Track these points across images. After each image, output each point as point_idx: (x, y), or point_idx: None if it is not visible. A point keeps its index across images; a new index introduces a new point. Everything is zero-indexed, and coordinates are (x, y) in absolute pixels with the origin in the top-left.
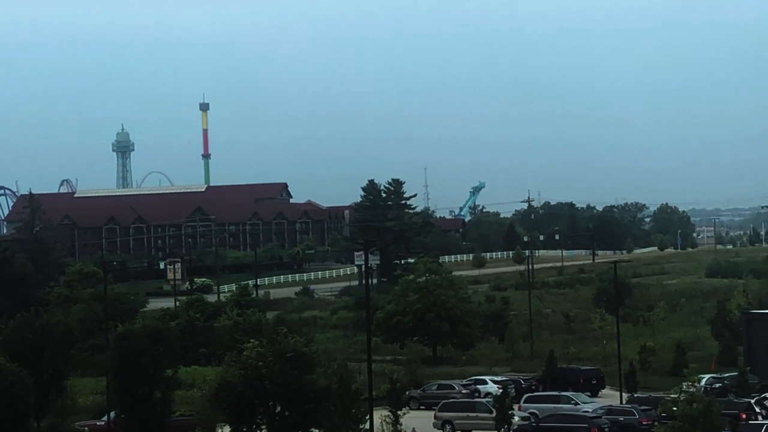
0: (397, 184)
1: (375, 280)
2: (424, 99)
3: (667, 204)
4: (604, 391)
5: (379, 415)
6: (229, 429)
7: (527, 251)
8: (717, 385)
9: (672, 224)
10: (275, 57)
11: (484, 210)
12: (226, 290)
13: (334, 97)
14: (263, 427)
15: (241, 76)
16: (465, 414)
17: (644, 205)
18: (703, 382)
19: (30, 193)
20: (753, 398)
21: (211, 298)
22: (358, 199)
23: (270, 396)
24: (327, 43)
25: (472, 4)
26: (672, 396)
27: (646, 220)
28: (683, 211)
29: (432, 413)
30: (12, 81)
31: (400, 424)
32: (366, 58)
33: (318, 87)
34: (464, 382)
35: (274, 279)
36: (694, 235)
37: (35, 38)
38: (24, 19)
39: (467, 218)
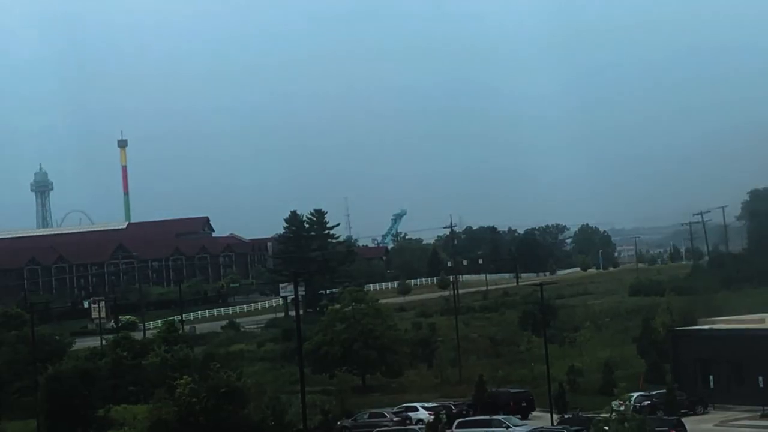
0: (320, 214)
1: (301, 311)
2: (343, 129)
3: (587, 224)
4: (534, 413)
5: None
6: None
7: (451, 276)
8: (646, 402)
9: (593, 244)
10: (191, 88)
11: (407, 237)
12: (152, 327)
13: (253, 129)
14: None
15: (158, 109)
16: None
17: (565, 226)
18: (632, 401)
19: None
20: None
21: (138, 336)
22: (281, 231)
23: None
24: (243, 71)
25: (384, 22)
26: (603, 415)
27: (567, 241)
28: (604, 231)
29: None
30: None
31: None
32: (283, 89)
33: (236, 118)
34: (395, 409)
35: (200, 314)
36: (616, 254)
37: None
38: None
39: (390, 246)
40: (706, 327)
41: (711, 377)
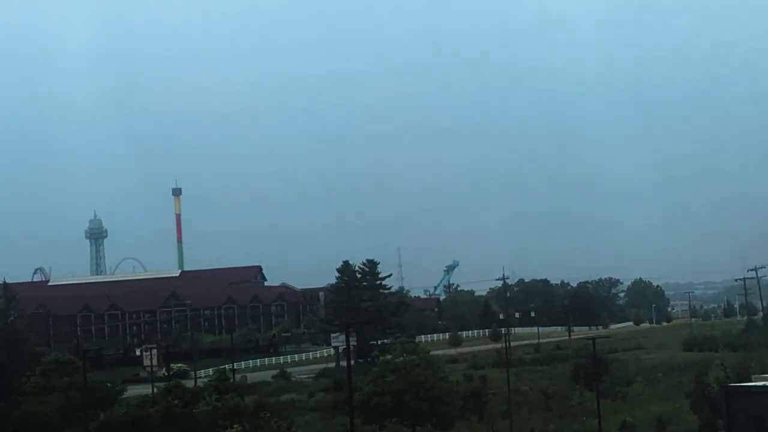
0: (372, 264)
1: (352, 362)
2: (396, 179)
3: (641, 279)
4: None
5: None
6: None
7: (503, 329)
8: None
9: (646, 299)
10: (245, 141)
11: (459, 289)
12: (203, 375)
13: (308, 179)
14: None
15: (210, 160)
16: None
17: (618, 280)
18: None
19: (3, 282)
20: None
21: (189, 384)
22: (333, 281)
23: None
24: (293, 119)
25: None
26: None
27: (620, 295)
28: (657, 286)
29: None
30: None
31: None
32: (333, 140)
33: (291, 168)
34: None
35: (251, 363)
36: (669, 309)
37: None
38: None
39: (442, 297)
40: (760, 384)
41: None
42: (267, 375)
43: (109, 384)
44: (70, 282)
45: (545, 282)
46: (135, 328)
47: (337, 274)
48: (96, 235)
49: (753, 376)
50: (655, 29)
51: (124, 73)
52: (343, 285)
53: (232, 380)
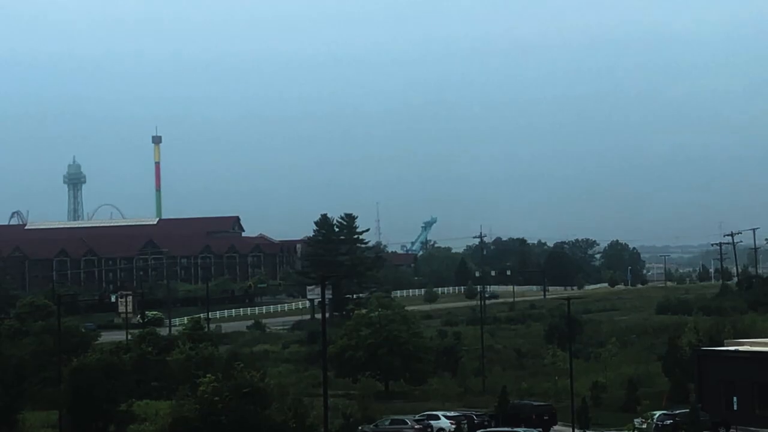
0: (350, 218)
1: (327, 315)
2: (376, 133)
3: (617, 241)
4: (556, 428)
5: None
6: None
7: (479, 287)
8: (668, 421)
9: (622, 261)
10: (227, 88)
11: (436, 245)
12: (178, 324)
13: (287, 129)
14: None
15: (193, 107)
16: None
17: (595, 241)
18: (654, 419)
19: None
20: None
21: (163, 332)
22: (311, 233)
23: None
24: (279, 71)
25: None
26: None
27: (596, 256)
28: (633, 248)
29: None
30: None
31: None
32: (318, 91)
33: (270, 120)
34: (417, 417)
35: (226, 313)
36: (644, 271)
37: None
38: None
39: (419, 253)
40: (732, 348)
41: (735, 399)
42: (242, 325)
43: (83, 329)
44: (47, 226)
45: (522, 241)
46: (111, 274)
47: (315, 227)
48: (74, 180)
49: (725, 341)
50: None
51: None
52: (321, 238)
53: (206, 329)
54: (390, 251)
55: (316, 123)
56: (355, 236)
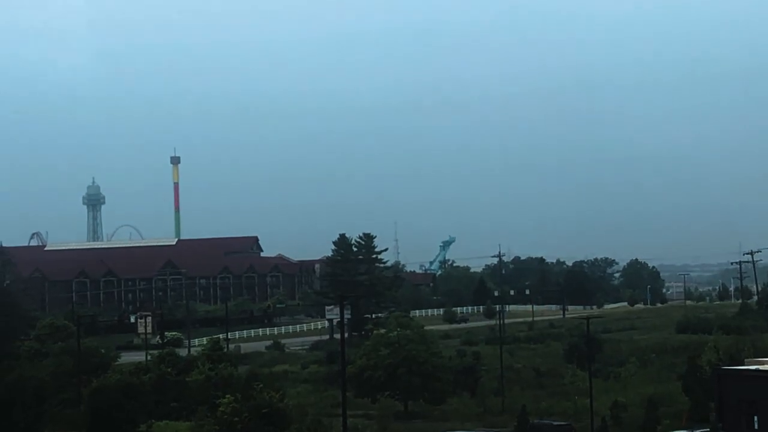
0: (368, 238)
1: (346, 335)
2: (396, 155)
3: (636, 259)
4: None
5: None
6: None
7: (498, 306)
8: None
9: (641, 280)
10: (247, 111)
11: (455, 264)
12: (197, 344)
13: (304, 152)
14: None
15: (213, 129)
16: None
17: (614, 260)
18: None
19: (0, 245)
20: None
21: (182, 352)
22: (329, 253)
23: None
24: (295, 99)
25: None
26: None
27: (615, 275)
28: (653, 267)
29: None
30: None
31: None
32: (336, 118)
33: (288, 142)
34: None
35: (245, 333)
36: (664, 290)
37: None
38: None
39: (438, 272)
40: (752, 367)
41: (756, 418)
42: (261, 346)
43: (102, 350)
44: (67, 247)
45: (541, 260)
46: (130, 295)
47: (333, 247)
48: (93, 201)
49: (745, 360)
50: None
51: (122, 36)
52: (339, 258)
53: (225, 350)
54: (408, 271)
55: (335, 139)
56: (374, 256)
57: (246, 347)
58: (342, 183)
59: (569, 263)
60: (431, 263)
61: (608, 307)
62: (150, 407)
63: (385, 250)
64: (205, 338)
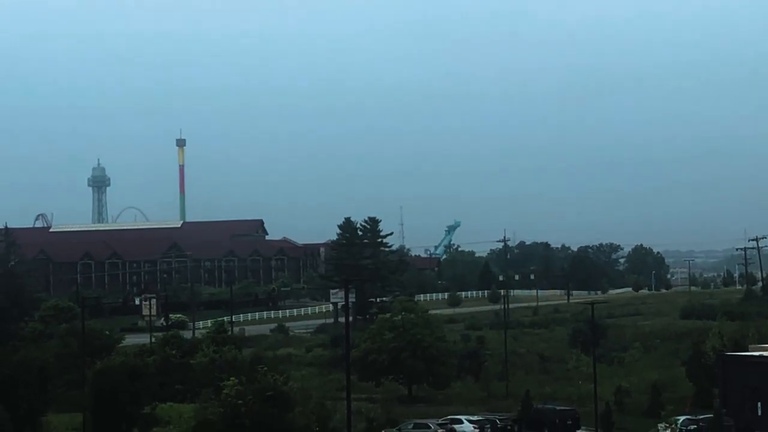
0: (373, 222)
1: (351, 318)
2: (402, 140)
3: (641, 245)
4: None
5: None
6: None
7: (503, 291)
8: (693, 426)
9: (646, 265)
10: (254, 93)
11: (460, 249)
12: (202, 327)
13: (311, 135)
14: None
15: (218, 111)
16: None
17: (619, 245)
18: (678, 424)
19: (5, 227)
20: None
21: (187, 335)
22: (334, 237)
23: None
24: (302, 78)
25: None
26: None
27: (620, 261)
28: (657, 252)
29: None
30: None
31: None
32: (342, 97)
33: (294, 124)
34: (440, 421)
35: (249, 316)
36: (669, 276)
37: (8, 70)
38: None
39: (443, 257)
40: (756, 353)
41: (759, 404)
42: (265, 329)
43: (107, 332)
44: (72, 229)
45: (546, 245)
46: (135, 277)
47: (339, 231)
48: (99, 182)
49: (750, 346)
50: None
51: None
52: (344, 241)
53: (230, 332)
54: (413, 255)
55: (337, 126)
56: (379, 240)
57: (250, 330)
58: (348, 165)
59: (574, 248)
60: (436, 248)
61: (613, 292)
62: (154, 389)
63: (390, 234)
64: (209, 321)
